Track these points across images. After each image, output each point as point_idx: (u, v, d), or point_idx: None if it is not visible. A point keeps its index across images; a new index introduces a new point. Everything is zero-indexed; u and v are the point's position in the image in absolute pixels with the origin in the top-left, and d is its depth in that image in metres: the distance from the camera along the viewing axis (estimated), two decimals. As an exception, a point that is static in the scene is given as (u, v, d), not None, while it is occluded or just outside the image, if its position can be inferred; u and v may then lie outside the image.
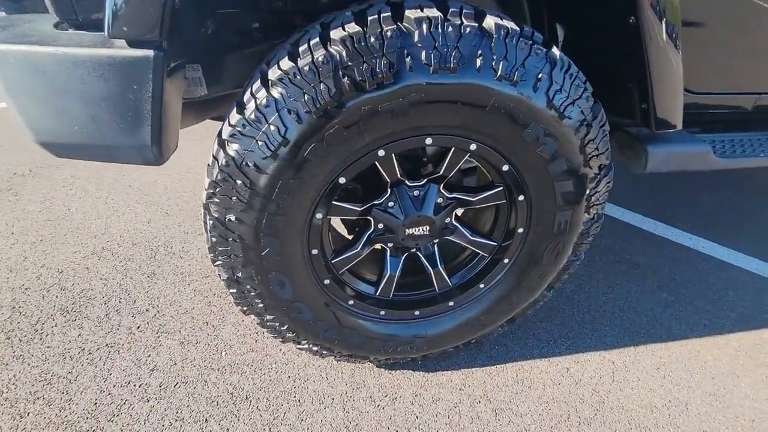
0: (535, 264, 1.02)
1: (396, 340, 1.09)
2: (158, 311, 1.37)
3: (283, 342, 1.09)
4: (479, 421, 1.07)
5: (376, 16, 0.67)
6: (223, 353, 1.23)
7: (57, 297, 1.39)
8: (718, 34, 1.00)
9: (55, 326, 1.29)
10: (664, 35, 0.83)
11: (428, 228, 0.98)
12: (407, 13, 0.68)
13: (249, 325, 1.32)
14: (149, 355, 1.21)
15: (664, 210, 2.06)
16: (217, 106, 1.22)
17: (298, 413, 1.07)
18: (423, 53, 0.68)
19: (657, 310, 1.47)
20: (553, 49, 0.75)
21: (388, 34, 0.67)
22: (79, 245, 1.64)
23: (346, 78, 0.67)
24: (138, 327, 1.31)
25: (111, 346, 1.24)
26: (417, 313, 1.09)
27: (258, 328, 1.30)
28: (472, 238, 1.03)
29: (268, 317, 0.96)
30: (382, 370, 1.19)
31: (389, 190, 0.93)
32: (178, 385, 1.13)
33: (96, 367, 1.17)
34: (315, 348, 1.07)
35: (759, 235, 1.92)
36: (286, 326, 0.98)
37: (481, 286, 1.08)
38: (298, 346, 1.08)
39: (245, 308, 0.96)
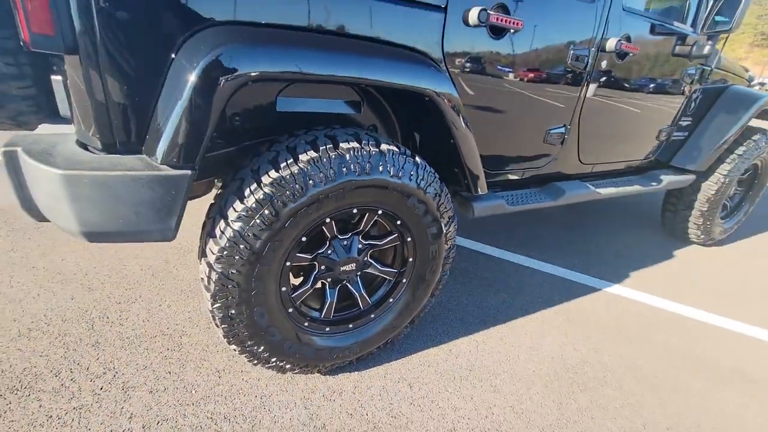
0: (421, 280, 1.61)
1: (339, 348, 1.53)
2: (116, 372, 1.52)
3: (256, 364, 1.43)
4: (402, 393, 1.56)
5: (324, 146, 1.21)
6: (193, 391, 1.48)
7: (-2, 379, 1.43)
8: (496, 138, 1.82)
9: (10, 404, 1.35)
10: (470, 144, 1.56)
11: (354, 265, 1.49)
12: (341, 144, 1.23)
13: (209, 366, 1.58)
14: (122, 407, 1.39)
15: (499, 239, 2.97)
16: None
17: (271, 418, 1.40)
18: (352, 165, 1.23)
19: (500, 306, 2.21)
20: (416, 158, 1.39)
21: (332, 155, 1.21)
22: (-1, 330, 1.64)
23: (310, 180, 1.18)
24: (101, 388, 1.45)
25: (79, 408, 1.37)
26: (351, 326, 1.56)
27: (218, 366, 1.59)
28: (381, 268, 1.58)
29: (249, 343, 1.32)
30: (327, 376, 1.60)
31: (328, 243, 1.42)
32: (160, 423, 1.35)
33: (71, 428, 1.30)
34: (281, 364, 1.44)
35: (555, 249, 2.93)
36: (262, 348, 1.35)
37: (391, 300, 1.62)
38: (267, 365, 1.43)
39: (231, 338, 1.30)
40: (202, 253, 1.23)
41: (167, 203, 1.07)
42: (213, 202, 1.29)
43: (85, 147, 1.14)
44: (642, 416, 1.63)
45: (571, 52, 1.78)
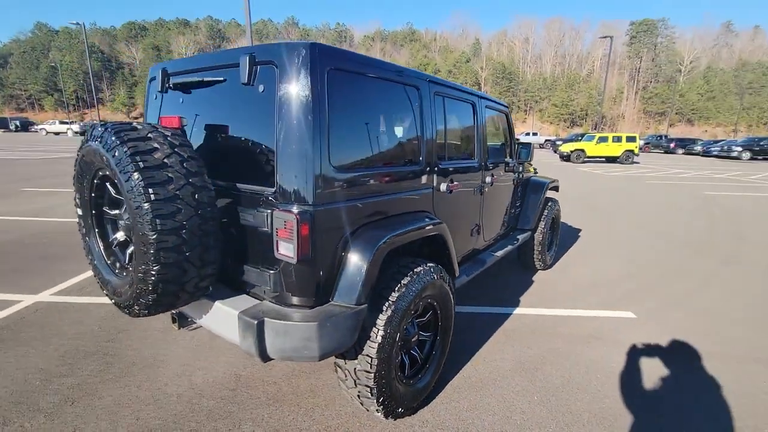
0: (445, 335, 2.72)
1: (418, 389, 2.48)
2: (284, 465, 2.11)
3: (386, 415, 2.26)
4: (455, 405, 2.58)
5: (410, 273, 2.28)
6: (346, 453, 2.19)
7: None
8: (458, 239, 3.15)
9: None
10: (451, 246, 2.83)
11: (416, 337, 2.51)
12: (415, 270, 2.33)
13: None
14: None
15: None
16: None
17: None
18: (421, 280, 2.33)
19: (473, 339, 3.42)
20: (439, 266, 2.57)
21: (414, 278, 2.29)
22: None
23: (409, 292, 2.22)
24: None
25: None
26: (419, 375, 2.54)
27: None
28: (424, 335, 2.63)
29: (383, 398, 2.19)
30: (414, 416, 2.50)
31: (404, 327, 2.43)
32: (345, 476, 2.05)
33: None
34: (398, 410, 2.30)
35: (474, 296, 4.36)
36: (392, 400, 2.22)
37: (434, 353, 2.67)
38: (391, 414, 2.28)
39: (381, 397, 2.15)
40: (359, 351, 2.10)
41: (356, 325, 1.98)
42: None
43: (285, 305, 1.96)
44: (561, 368, 3.02)
45: (475, 189, 3.33)
